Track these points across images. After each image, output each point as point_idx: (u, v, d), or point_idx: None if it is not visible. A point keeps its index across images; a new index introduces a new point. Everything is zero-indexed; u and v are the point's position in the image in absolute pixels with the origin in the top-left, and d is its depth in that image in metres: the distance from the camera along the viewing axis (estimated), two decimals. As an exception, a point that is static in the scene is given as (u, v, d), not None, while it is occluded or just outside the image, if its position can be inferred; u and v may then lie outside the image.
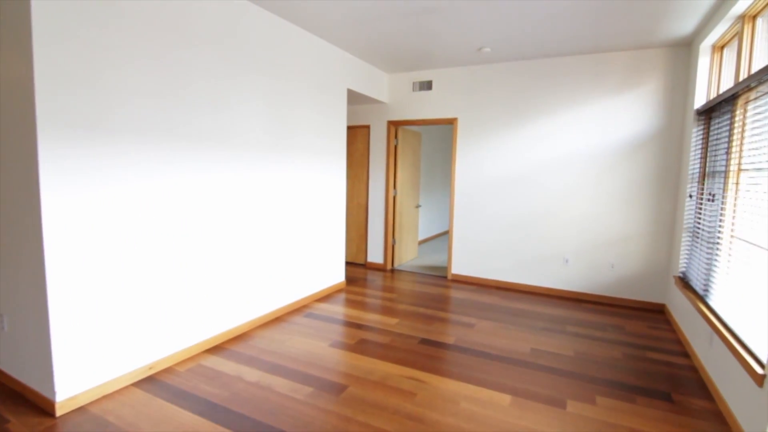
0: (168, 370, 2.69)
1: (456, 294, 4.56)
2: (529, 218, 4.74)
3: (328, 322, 3.61)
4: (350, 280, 5.06)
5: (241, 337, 3.25)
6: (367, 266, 5.79)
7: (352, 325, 3.58)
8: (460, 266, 5.18)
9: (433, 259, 6.38)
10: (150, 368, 2.64)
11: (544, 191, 4.64)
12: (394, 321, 3.69)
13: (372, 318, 3.75)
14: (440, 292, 4.61)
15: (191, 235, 2.85)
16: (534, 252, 4.74)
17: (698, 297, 3.05)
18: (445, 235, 8.92)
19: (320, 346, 3.12)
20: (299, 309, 3.94)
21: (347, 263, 5.94)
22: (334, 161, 4.42)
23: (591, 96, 4.34)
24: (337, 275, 4.65)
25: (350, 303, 4.17)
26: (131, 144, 2.44)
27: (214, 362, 2.82)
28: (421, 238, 7.82)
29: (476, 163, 4.98)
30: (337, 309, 3.97)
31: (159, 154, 2.61)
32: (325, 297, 4.34)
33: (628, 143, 4.23)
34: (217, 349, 3.03)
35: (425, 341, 3.27)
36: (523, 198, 4.75)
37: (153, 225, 2.60)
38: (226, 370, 2.71)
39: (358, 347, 3.12)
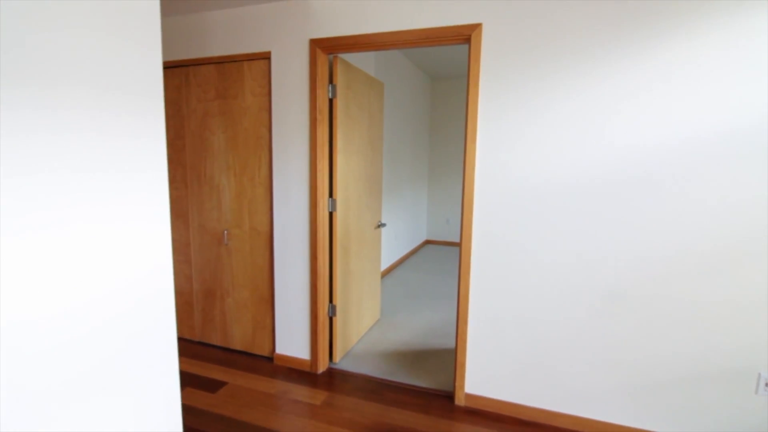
0: None
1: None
2: (661, 276, 1.90)
3: None
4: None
5: None
6: (275, 364, 2.73)
7: None
8: (484, 380, 2.27)
9: (413, 325, 3.42)
10: None
11: (696, 211, 1.81)
12: None
13: None
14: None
15: None
16: (674, 358, 1.93)
17: None
18: (420, 251, 5.99)
19: None
20: None
21: (236, 354, 2.85)
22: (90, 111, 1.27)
23: None
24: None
25: None
26: None
27: None
28: (383, 266, 4.84)
29: (525, 141, 2.05)
30: None
31: None
32: None
33: None
34: None
35: None
36: (641, 227, 1.90)
37: None
38: None
39: None
